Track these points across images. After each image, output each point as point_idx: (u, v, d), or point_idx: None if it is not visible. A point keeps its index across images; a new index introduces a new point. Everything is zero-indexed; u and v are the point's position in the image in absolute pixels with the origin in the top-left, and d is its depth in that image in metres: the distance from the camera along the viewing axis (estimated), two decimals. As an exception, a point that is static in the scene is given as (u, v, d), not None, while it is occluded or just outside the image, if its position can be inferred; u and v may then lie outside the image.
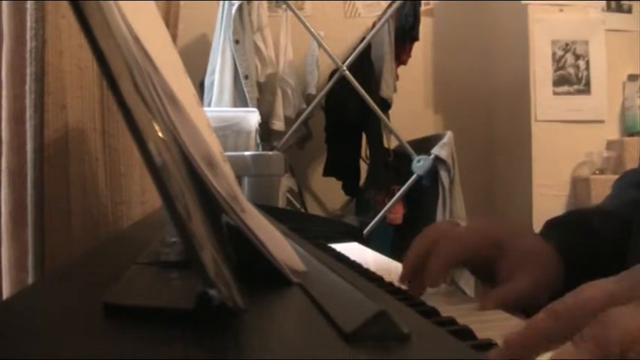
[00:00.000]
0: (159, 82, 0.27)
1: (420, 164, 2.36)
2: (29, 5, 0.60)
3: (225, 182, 0.31)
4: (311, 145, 2.85)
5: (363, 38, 2.55)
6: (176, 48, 0.57)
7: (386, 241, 2.48)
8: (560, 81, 2.76)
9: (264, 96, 2.45)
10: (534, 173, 2.71)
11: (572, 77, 2.77)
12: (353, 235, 0.98)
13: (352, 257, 0.67)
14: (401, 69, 2.80)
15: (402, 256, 0.57)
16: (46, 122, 0.61)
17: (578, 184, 2.70)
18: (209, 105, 2.29)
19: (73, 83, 0.66)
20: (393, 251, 2.40)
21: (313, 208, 3.03)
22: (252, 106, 2.24)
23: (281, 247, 0.37)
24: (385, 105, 2.56)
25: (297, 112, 2.53)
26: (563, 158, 2.73)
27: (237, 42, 2.29)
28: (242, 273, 0.28)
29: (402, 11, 2.59)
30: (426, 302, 0.45)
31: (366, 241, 0.97)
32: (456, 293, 0.55)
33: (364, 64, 2.49)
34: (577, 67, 2.76)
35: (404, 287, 0.53)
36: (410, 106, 3.09)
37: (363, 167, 2.79)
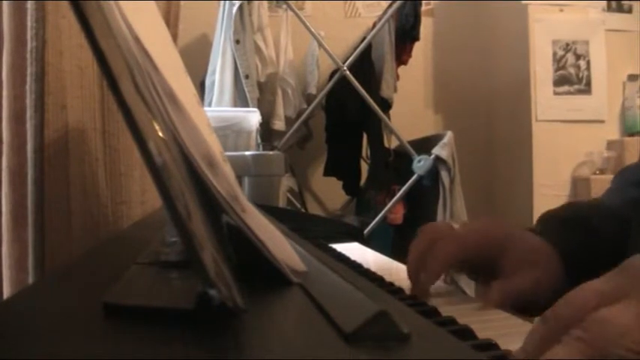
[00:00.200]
0: (159, 82, 0.27)
1: (420, 164, 2.36)
2: (29, 5, 0.60)
3: (226, 182, 0.31)
4: (311, 145, 2.85)
5: (364, 38, 2.55)
6: (176, 48, 0.57)
7: (386, 241, 2.48)
8: (560, 81, 2.76)
9: (264, 96, 2.45)
10: (534, 173, 2.71)
11: (572, 77, 2.77)
12: (353, 235, 0.98)
13: (352, 257, 0.67)
14: (401, 69, 2.80)
15: (403, 257, 0.57)
16: (46, 122, 0.61)
17: (579, 184, 2.70)
18: (209, 105, 2.28)
19: (73, 83, 0.66)
20: (393, 251, 2.39)
21: (313, 208, 3.03)
22: (253, 106, 2.24)
23: (281, 247, 0.37)
24: (386, 105, 2.56)
25: (298, 112, 2.53)
26: (563, 158, 2.73)
27: (237, 42, 2.29)
28: (242, 273, 0.28)
29: (402, 11, 2.59)
30: (426, 302, 0.45)
31: (366, 241, 0.97)
32: (456, 293, 0.55)
33: (364, 64, 2.49)
34: (577, 67, 2.76)
35: (405, 289, 0.53)
36: (410, 106, 3.09)
37: (364, 167, 2.79)
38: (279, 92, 2.50)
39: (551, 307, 0.32)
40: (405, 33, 2.62)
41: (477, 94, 3.18)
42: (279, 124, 2.47)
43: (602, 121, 2.79)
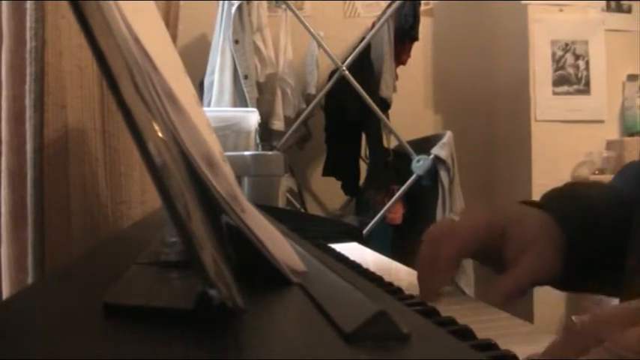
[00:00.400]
0: (159, 82, 0.27)
1: (419, 164, 2.36)
2: (29, 5, 0.60)
3: (225, 182, 0.31)
4: (311, 145, 2.85)
5: (363, 38, 2.55)
6: (176, 48, 0.57)
7: (386, 241, 2.48)
8: (559, 81, 2.76)
9: (263, 96, 2.45)
10: (534, 173, 2.71)
11: (571, 77, 2.77)
12: (353, 235, 0.98)
13: (352, 257, 0.67)
14: (400, 69, 2.80)
15: (402, 256, 0.57)
16: (46, 122, 0.61)
17: (578, 184, 2.70)
18: (209, 105, 2.28)
19: (72, 83, 0.66)
20: (392, 251, 2.40)
21: (313, 208, 3.03)
22: (252, 106, 2.24)
23: (281, 247, 0.37)
24: (385, 105, 2.56)
25: (297, 112, 2.53)
26: (563, 158, 2.73)
27: (236, 42, 2.29)
28: (242, 273, 0.28)
29: (401, 11, 2.59)
30: (425, 302, 0.45)
31: (365, 241, 0.97)
32: (456, 293, 0.55)
33: (364, 64, 2.49)
34: (577, 67, 2.76)
35: (405, 289, 0.53)
36: (410, 106, 3.09)
37: (363, 167, 2.79)
38: (279, 92, 2.50)
39: (580, 321, 0.32)
40: (404, 33, 2.62)
41: (477, 94, 3.18)
42: (278, 124, 2.46)
43: (601, 121, 2.79)
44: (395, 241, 2.56)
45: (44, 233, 0.61)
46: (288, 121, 2.49)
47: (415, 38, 2.68)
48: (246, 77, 2.30)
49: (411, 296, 0.49)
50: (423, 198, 2.45)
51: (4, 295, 0.62)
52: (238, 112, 1.81)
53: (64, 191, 0.63)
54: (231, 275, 0.25)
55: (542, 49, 2.74)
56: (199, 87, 2.39)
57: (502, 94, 3.05)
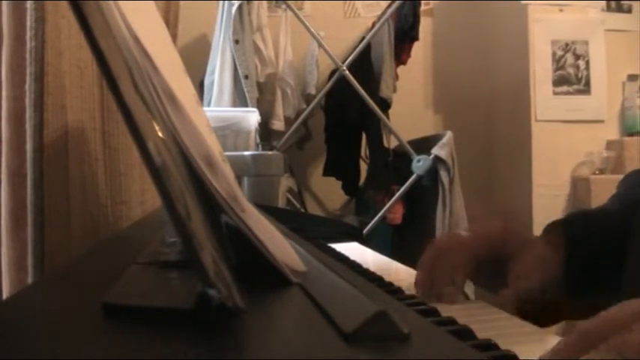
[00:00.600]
0: (159, 82, 0.27)
1: (419, 164, 2.36)
2: (29, 5, 0.60)
3: (225, 182, 0.31)
4: (311, 145, 2.85)
5: (363, 38, 2.55)
6: (176, 48, 0.57)
7: (386, 241, 2.48)
8: (560, 81, 2.76)
9: (263, 96, 2.45)
10: (534, 173, 2.71)
11: (572, 77, 2.77)
12: (353, 235, 0.98)
13: (352, 257, 0.67)
14: (401, 69, 2.80)
15: (402, 256, 0.58)
16: (46, 122, 0.61)
17: (578, 184, 2.70)
18: (209, 105, 2.28)
19: (72, 83, 0.66)
20: (392, 251, 2.40)
21: (313, 208, 3.03)
22: (252, 106, 2.24)
23: (281, 247, 0.37)
24: (385, 105, 2.56)
25: (297, 112, 2.53)
26: (563, 158, 2.73)
27: (236, 42, 2.29)
28: (242, 273, 0.28)
29: (401, 11, 2.58)
30: (425, 302, 0.45)
31: (365, 241, 0.97)
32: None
33: (364, 64, 2.49)
34: (577, 67, 2.76)
35: (405, 289, 0.53)
36: (410, 106, 3.08)
37: (363, 167, 2.79)
38: (279, 92, 2.50)
39: (587, 321, 0.32)
40: (405, 33, 2.62)
41: (477, 94, 3.18)
42: (278, 124, 2.46)
43: (601, 121, 2.79)
44: (395, 241, 2.56)
45: (44, 233, 0.61)
46: (288, 121, 2.49)
47: (415, 38, 2.68)
48: (246, 77, 2.30)
49: (411, 296, 0.49)
50: (423, 198, 2.45)
51: (4, 295, 0.62)
52: (238, 112, 1.81)
53: (64, 191, 0.63)
54: (231, 275, 0.25)
55: (542, 49, 2.74)
56: (199, 87, 2.39)
57: (502, 94, 3.04)
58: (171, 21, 0.97)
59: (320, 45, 2.45)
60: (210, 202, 0.29)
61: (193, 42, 2.81)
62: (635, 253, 0.54)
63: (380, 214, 2.39)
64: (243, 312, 0.24)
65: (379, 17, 2.61)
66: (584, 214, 0.66)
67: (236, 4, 2.27)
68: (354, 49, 2.50)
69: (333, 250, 0.73)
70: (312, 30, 2.40)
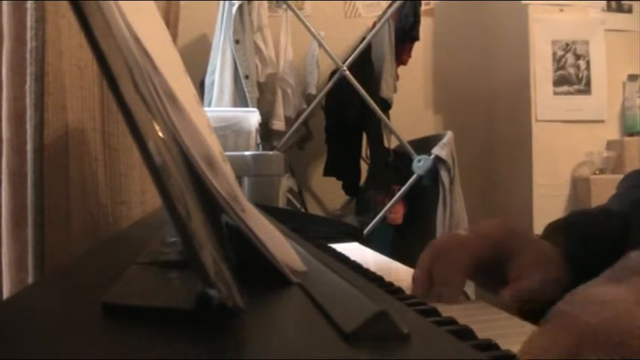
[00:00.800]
0: (159, 82, 0.27)
1: (420, 164, 2.36)
2: (29, 5, 0.60)
3: (225, 182, 0.31)
4: (311, 145, 2.85)
5: (363, 38, 2.55)
6: (176, 48, 0.57)
7: (386, 241, 2.48)
8: (560, 81, 2.76)
9: (264, 96, 2.45)
10: (534, 173, 2.71)
11: (572, 77, 2.77)
12: (353, 235, 0.98)
13: (352, 257, 0.67)
14: (401, 69, 2.80)
15: (403, 256, 0.58)
16: (46, 122, 0.61)
17: (578, 184, 2.70)
18: (209, 105, 2.29)
19: (73, 83, 0.66)
20: (393, 251, 2.40)
21: (313, 208, 3.03)
22: (253, 106, 2.24)
23: (281, 247, 0.37)
24: (385, 105, 2.56)
25: (298, 112, 2.53)
26: (563, 158, 2.73)
27: (237, 42, 2.29)
28: (242, 273, 0.28)
29: (402, 11, 2.59)
30: (426, 302, 0.45)
31: (366, 241, 0.97)
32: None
33: (364, 64, 2.49)
34: (577, 67, 2.76)
35: (405, 289, 0.53)
36: (410, 106, 3.09)
37: (364, 167, 2.79)
38: (279, 92, 2.50)
39: (555, 305, 0.32)
40: (405, 33, 2.62)
41: (477, 94, 3.18)
42: (278, 124, 2.46)
43: (601, 121, 2.79)
44: (395, 241, 2.56)
45: (44, 233, 0.61)
46: (289, 121, 2.49)
47: (416, 38, 2.68)
48: (246, 77, 2.30)
49: (411, 296, 0.49)
50: (423, 198, 2.45)
51: (4, 295, 0.62)
52: (239, 112, 1.81)
53: (64, 191, 0.63)
54: (231, 275, 0.25)
55: (542, 49, 2.74)
56: (200, 87, 2.39)
57: (502, 94, 3.04)
58: (171, 21, 0.97)
59: (320, 45, 2.45)
60: (211, 202, 0.29)
61: (194, 42, 2.82)
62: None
63: (380, 214, 2.39)
64: (243, 312, 0.24)
65: (380, 17, 2.61)
66: (584, 214, 0.66)
67: (236, 4, 2.27)
68: (355, 49, 2.50)
69: (334, 250, 0.73)
70: (313, 30, 2.40)
